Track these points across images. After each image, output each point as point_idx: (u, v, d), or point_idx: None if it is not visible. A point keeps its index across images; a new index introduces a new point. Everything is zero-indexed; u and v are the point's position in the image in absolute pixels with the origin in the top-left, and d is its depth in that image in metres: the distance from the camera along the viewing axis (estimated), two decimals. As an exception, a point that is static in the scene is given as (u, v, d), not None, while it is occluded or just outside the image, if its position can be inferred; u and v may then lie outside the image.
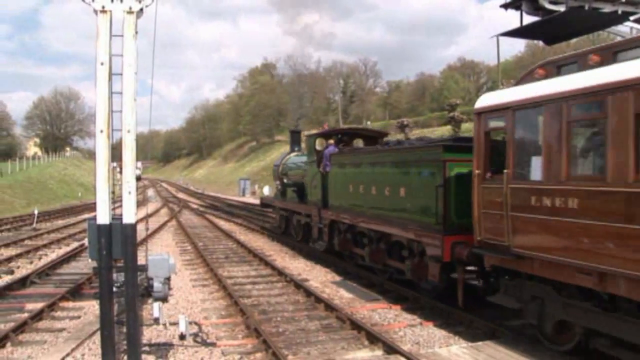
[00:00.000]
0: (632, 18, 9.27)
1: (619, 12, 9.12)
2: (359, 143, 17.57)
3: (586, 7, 8.99)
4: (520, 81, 8.17)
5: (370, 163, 12.99)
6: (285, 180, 20.07)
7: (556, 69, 7.61)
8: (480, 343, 8.24)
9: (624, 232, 5.98)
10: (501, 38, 9.73)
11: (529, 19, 9.43)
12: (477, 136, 8.42)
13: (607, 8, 9.13)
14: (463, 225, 9.08)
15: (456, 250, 9.19)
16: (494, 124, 8.25)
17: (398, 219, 11.17)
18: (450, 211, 9.54)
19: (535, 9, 9.21)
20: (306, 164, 17.67)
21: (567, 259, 6.78)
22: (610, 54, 6.87)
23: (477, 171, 8.33)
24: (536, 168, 7.37)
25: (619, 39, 9.44)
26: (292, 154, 20.85)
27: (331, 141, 16.20)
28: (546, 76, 7.67)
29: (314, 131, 20.29)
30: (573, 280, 6.85)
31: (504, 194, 7.73)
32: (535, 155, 7.43)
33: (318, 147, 16.98)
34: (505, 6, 9.51)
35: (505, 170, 7.75)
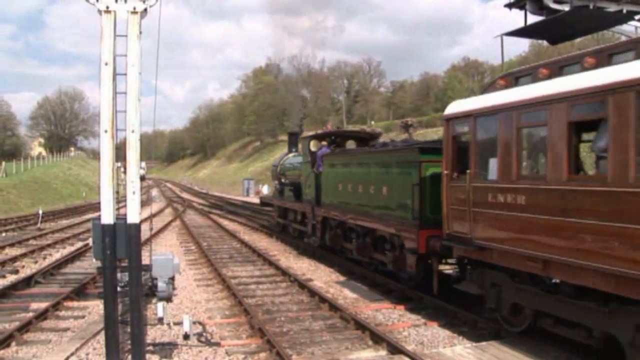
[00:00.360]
0: (637, 17, 9.23)
1: (624, 11, 9.08)
2: (351, 145, 18.26)
3: (591, 7, 8.95)
4: (485, 90, 9.03)
5: (357, 163, 13.95)
6: (283, 180, 20.98)
7: (514, 80, 8.39)
8: (484, 343, 8.22)
9: (560, 225, 6.88)
10: (505, 38, 9.71)
11: (533, 19, 9.40)
12: (446, 140, 9.38)
13: (611, 7, 9.08)
14: (437, 221, 9.75)
15: (431, 243, 10.12)
16: (459, 129, 9.15)
17: (381, 215, 12.15)
18: (425, 207, 10.48)
19: (540, 8, 9.17)
20: (302, 165, 18.43)
21: (518, 248, 7.70)
22: (557, 68, 7.65)
23: (445, 171, 9.27)
24: (493, 169, 8.29)
25: (623, 38, 9.41)
26: (290, 155, 21.60)
27: (324, 143, 17.00)
28: (506, 86, 8.45)
29: (311, 133, 21.28)
30: (524, 267, 7.74)
31: (467, 192, 8.64)
32: (492, 158, 8.29)
33: (313, 149, 17.60)
34: (510, 6, 9.47)
35: (468, 171, 8.65)
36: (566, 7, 8.99)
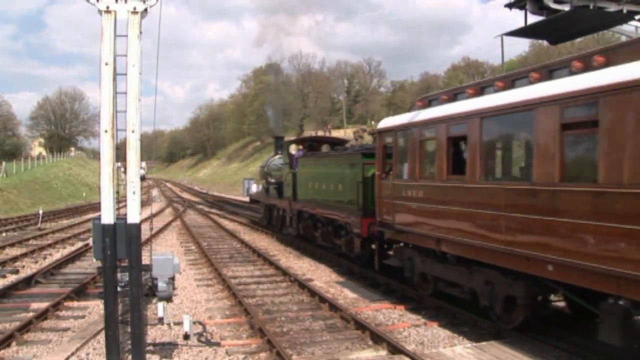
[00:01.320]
0: (637, 17, 9.21)
1: (624, 11, 9.06)
2: (326, 148, 20.67)
3: (591, 7, 8.92)
4: (410, 109, 11.64)
5: (322, 165, 17.02)
6: (269, 179, 23.52)
7: (428, 102, 10.92)
8: (484, 343, 8.22)
9: (443, 212, 9.57)
10: (506, 38, 9.75)
11: (533, 19, 9.38)
12: (378, 148, 12.18)
13: (612, 7, 9.05)
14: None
15: (371, 229, 12.78)
16: (386, 140, 11.81)
17: (338, 207, 15.08)
18: (367, 200, 13.16)
19: (540, 8, 9.14)
20: (283, 166, 21.15)
21: (421, 230, 10.35)
22: (452, 95, 10.17)
23: (377, 172, 12.10)
24: (405, 171, 10.97)
25: (624, 38, 9.40)
26: (276, 157, 24.00)
27: (300, 147, 20.15)
28: (422, 107, 10.89)
29: (292, 138, 24.47)
30: (425, 244, 10.36)
31: (390, 188, 11.40)
32: (405, 162, 10.96)
33: (292, 152, 20.27)
34: (510, 6, 9.44)
35: (390, 172, 11.54)
36: (566, 7, 8.96)
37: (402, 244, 11.64)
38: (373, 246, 13.18)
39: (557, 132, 7.19)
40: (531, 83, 8.09)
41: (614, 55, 7.03)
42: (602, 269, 6.47)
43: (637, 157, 6.08)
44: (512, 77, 8.84)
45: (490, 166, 8.92)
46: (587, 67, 7.24)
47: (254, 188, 27.72)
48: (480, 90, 9.38)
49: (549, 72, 8.12)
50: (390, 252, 12.78)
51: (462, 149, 9.49)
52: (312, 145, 20.84)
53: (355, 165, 13.76)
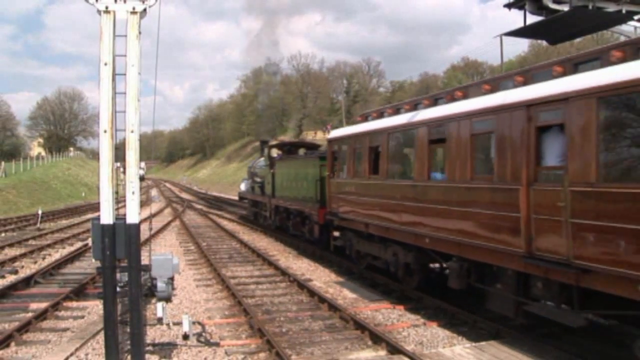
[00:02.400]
0: (636, 17, 9.22)
1: (623, 11, 9.06)
2: (302, 152, 23.38)
3: (590, 7, 8.93)
4: (354, 122, 15.26)
5: (293, 166, 20.27)
6: (255, 179, 26.40)
7: (365, 118, 13.83)
8: (484, 343, 8.22)
9: (367, 202, 12.49)
10: (505, 38, 9.75)
11: (532, 19, 9.38)
12: (328, 154, 15.39)
13: (611, 7, 9.06)
14: None
15: (326, 217, 15.42)
16: (334, 147, 14.96)
17: (303, 201, 18.29)
18: (323, 195, 15.94)
19: (539, 8, 9.14)
20: (265, 167, 24.19)
21: (355, 217, 13.20)
22: (379, 113, 12.99)
23: (328, 173, 15.15)
24: (345, 171, 14.08)
25: (623, 38, 9.40)
26: (261, 159, 26.55)
27: (279, 151, 23.82)
28: (361, 121, 13.85)
29: (274, 142, 28.53)
30: (358, 227, 13.09)
31: (335, 185, 14.61)
32: (345, 165, 14.13)
33: (274, 155, 23.68)
34: (509, 6, 9.44)
35: (334, 172, 14.75)
36: (565, 7, 8.97)
37: (345, 229, 14.42)
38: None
39: (426, 145, 10.07)
40: (425, 107, 10.80)
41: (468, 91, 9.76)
42: (451, 239, 9.18)
43: (463, 164, 8.96)
44: (415, 102, 11.73)
45: (392, 168, 11.61)
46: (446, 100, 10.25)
47: (243, 186, 30.87)
48: (396, 110, 12.22)
49: (434, 100, 10.76)
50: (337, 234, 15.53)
51: (378, 155, 12.10)
52: (290, 149, 24.28)
53: (315, 167, 17.16)
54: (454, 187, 9.15)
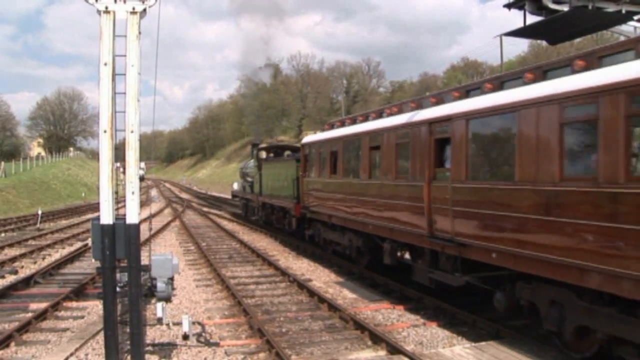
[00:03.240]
0: (636, 17, 9.22)
1: (623, 11, 9.07)
2: (287, 154, 25.14)
3: (590, 7, 8.93)
4: (322, 129, 18.40)
5: (276, 167, 22.75)
6: (246, 178, 28.83)
7: (331, 126, 16.54)
8: (483, 343, 8.22)
9: (329, 197, 15.00)
10: (505, 38, 9.77)
11: (532, 19, 9.38)
12: (301, 156, 17.86)
13: (611, 7, 9.06)
14: None
15: (301, 211, 17.68)
16: (306, 151, 17.43)
17: (284, 197, 20.58)
18: (299, 192, 18.06)
19: (539, 8, 9.15)
20: (255, 168, 26.37)
21: (321, 210, 15.71)
22: (342, 122, 15.54)
23: (302, 173, 17.68)
24: (313, 171, 16.72)
25: (622, 38, 9.41)
26: (252, 160, 28.52)
27: (267, 153, 26.12)
28: (329, 129, 16.44)
29: (263, 145, 30.34)
30: (324, 219, 15.60)
31: (306, 183, 17.08)
32: (313, 166, 16.71)
33: (262, 156, 25.92)
34: (509, 6, 9.45)
35: (306, 172, 17.18)
36: (565, 7, 8.98)
37: (314, 220, 16.85)
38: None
39: (368, 151, 12.42)
40: (373, 119, 13.17)
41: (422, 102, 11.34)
42: (385, 225, 11.56)
43: (391, 166, 11.33)
44: (367, 114, 14.01)
45: (346, 169, 14.03)
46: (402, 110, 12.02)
47: (235, 186, 32.87)
48: (353, 120, 14.68)
49: (379, 114, 12.92)
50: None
51: (337, 158, 14.54)
52: (277, 151, 26.63)
53: (293, 168, 19.50)
54: (385, 184, 11.61)
